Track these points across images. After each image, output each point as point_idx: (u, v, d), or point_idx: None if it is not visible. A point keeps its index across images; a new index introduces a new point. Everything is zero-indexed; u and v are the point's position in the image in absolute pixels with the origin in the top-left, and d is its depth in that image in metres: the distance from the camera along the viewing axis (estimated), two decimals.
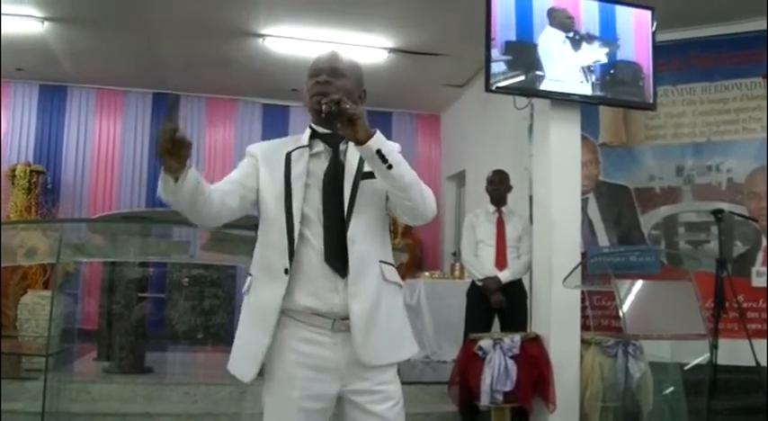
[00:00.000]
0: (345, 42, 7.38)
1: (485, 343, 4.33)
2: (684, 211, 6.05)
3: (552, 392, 4.27)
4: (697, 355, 4.73)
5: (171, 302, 8.19)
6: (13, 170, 8.61)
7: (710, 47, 6.07)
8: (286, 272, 1.99)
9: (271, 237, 2.06)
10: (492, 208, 5.15)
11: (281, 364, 2.02)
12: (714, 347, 4.30)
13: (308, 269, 2.01)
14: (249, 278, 2.12)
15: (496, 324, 5.11)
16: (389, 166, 1.90)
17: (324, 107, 1.91)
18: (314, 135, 2.13)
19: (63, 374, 5.05)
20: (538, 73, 4.57)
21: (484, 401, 4.20)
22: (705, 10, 5.90)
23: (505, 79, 4.55)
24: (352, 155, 2.09)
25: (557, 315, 4.49)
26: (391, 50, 7.58)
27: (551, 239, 4.59)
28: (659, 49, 4.99)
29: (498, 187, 5.18)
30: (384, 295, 2.05)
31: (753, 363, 4.36)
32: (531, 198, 5.98)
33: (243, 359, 2.05)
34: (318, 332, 2.01)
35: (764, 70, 5.80)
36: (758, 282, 5.70)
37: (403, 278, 7.34)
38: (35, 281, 6.42)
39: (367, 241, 2.04)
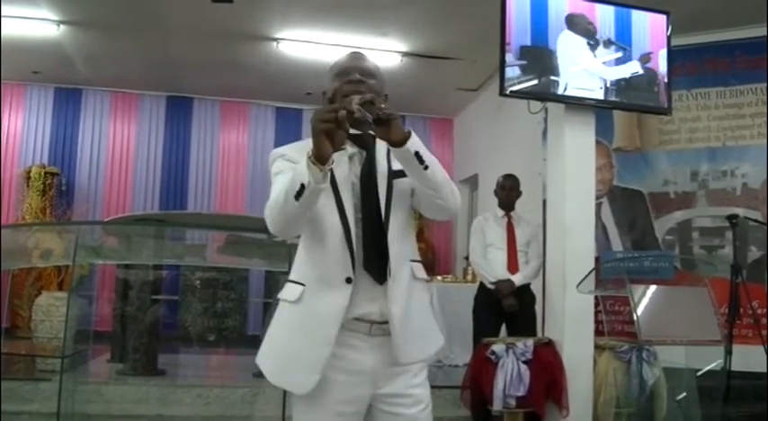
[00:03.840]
0: (359, 46, 7.37)
1: (498, 347, 4.32)
2: (699, 216, 6.01)
3: (565, 397, 4.26)
4: (711, 361, 4.71)
5: (184, 305, 8.22)
6: (29, 172, 8.68)
7: (726, 51, 6.03)
8: (348, 281, 1.95)
9: (328, 244, 1.98)
10: (501, 212, 5.15)
11: None
12: (728, 353, 4.28)
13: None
14: (294, 286, 2.03)
15: (503, 329, 5.09)
16: (426, 167, 1.89)
17: (355, 108, 1.82)
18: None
19: (77, 376, 5.07)
20: (552, 78, 4.57)
21: (497, 406, 4.19)
22: (720, 14, 5.88)
23: (519, 83, 4.55)
24: (380, 155, 2.06)
25: (570, 320, 4.48)
26: (405, 54, 7.59)
27: (565, 244, 4.58)
28: (674, 54, 4.98)
29: (509, 193, 5.17)
30: (415, 293, 2.04)
31: (767, 370, 4.34)
32: (544, 202, 5.97)
33: (296, 371, 1.97)
34: (356, 336, 1.99)
35: None
36: None
37: None
38: (49, 282, 6.48)
39: (401, 243, 2.02)
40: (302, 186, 1.77)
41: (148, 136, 9.47)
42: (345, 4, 6.50)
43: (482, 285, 5.06)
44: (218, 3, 6.20)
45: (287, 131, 9.64)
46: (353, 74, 2.07)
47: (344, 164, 2.01)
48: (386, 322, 1.98)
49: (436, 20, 6.76)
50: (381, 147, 2.03)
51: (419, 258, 2.12)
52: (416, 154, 1.86)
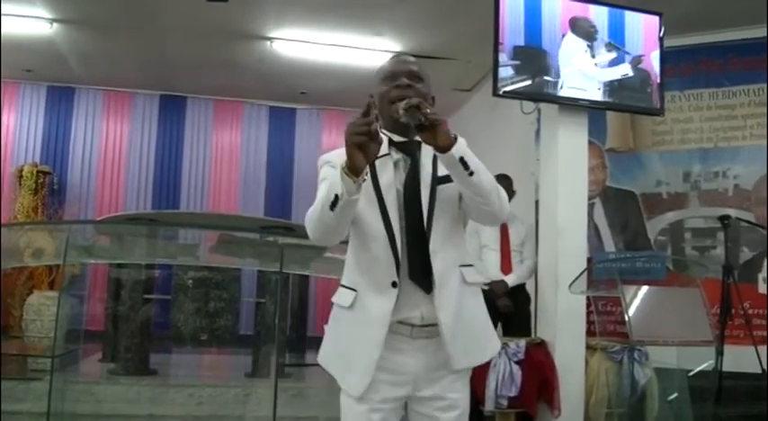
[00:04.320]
0: (353, 46, 7.40)
1: None
2: (691, 217, 6.03)
3: (557, 398, 4.27)
4: (703, 362, 4.73)
5: (176, 304, 8.18)
6: (21, 171, 8.63)
7: (718, 52, 6.06)
8: (394, 285, 1.96)
9: (373, 249, 1.99)
10: None
11: None
12: (720, 354, 4.29)
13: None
14: (347, 291, 2.05)
15: (499, 329, 5.10)
16: (471, 173, 1.85)
17: (402, 112, 1.83)
18: (389, 143, 2.03)
19: (68, 375, 5.07)
20: (546, 78, 4.58)
21: (489, 406, 4.20)
22: (713, 15, 5.89)
23: (513, 84, 4.56)
24: (425, 160, 2.04)
25: (562, 320, 4.49)
26: (399, 54, 7.55)
27: (557, 244, 4.59)
28: (667, 55, 5.00)
29: None
30: (466, 299, 2.03)
31: (759, 370, 4.35)
32: (537, 203, 5.98)
33: (352, 373, 2.00)
34: (400, 339, 1.99)
35: None
36: (764, 288, 5.68)
37: None
38: (41, 281, 6.43)
39: (447, 249, 2.00)
40: (336, 197, 1.79)
41: (141, 135, 9.43)
42: (340, 3, 6.48)
43: None
44: (212, 1, 6.18)
45: (280, 131, 9.65)
46: (401, 78, 2.04)
47: (390, 170, 2.01)
48: (428, 325, 1.98)
49: (430, 20, 6.75)
50: (428, 152, 2.01)
51: (470, 261, 2.11)
52: (461, 159, 1.83)
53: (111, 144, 9.35)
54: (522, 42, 4.58)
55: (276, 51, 7.58)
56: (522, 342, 4.35)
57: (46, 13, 6.86)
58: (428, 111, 1.82)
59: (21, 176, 8.58)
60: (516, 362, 4.25)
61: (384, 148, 1.98)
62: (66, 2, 6.65)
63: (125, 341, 5.48)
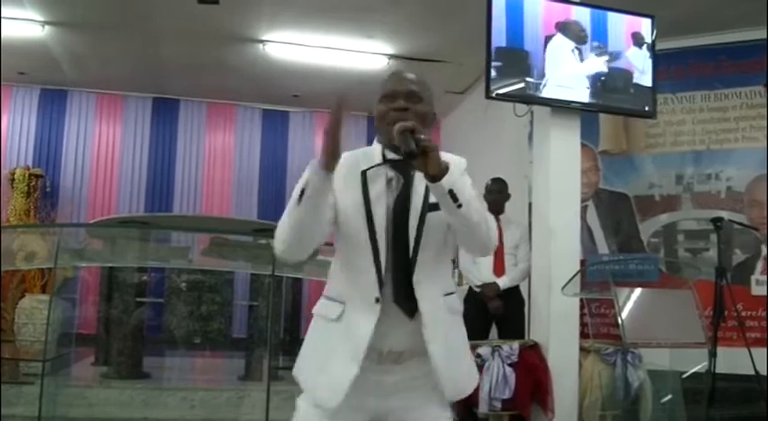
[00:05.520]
0: (346, 48, 7.40)
1: (483, 350, 4.32)
2: (684, 219, 6.05)
3: (551, 400, 4.26)
4: (696, 364, 4.73)
5: (169, 307, 8.16)
6: (13, 174, 8.58)
7: (710, 55, 6.08)
8: (377, 301, 1.91)
9: (358, 260, 1.95)
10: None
11: None
12: (713, 356, 4.30)
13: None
14: (333, 304, 2.01)
15: (494, 331, 5.10)
16: (459, 205, 1.78)
17: (396, 135, 1.78)
18: (383, 158, 1.99)
19: (60, 379, 5.05)
20: (530, 80, 4.58)
21: (482, 409, 4.19)
22: (705, 18, 5.92)
23: (505, 86, 4.56)
24: (418, 183, 1.95)
25: (555, 322, 4.49)
26: (391, 57, 7.58)
27: (550, 247, 4.59)
28: (660, 57, 5.01)
29: (497, 197, 5.18)
30: (452, 328, 2.01)
31: (752, 372, 4.35)
32: (530, 205, 5.98)
33: (328, 388, 1.94)
34: (382, 366, 1.97)
35: (765, 79, 5.80)
36: (758, 290, 5.70)
37: None
38: (33, 285, 6.41)
39: (433, 278, 1.96)
40: (303, 189, 1.79)
41: (134, 138, 9.40)
42: (332, 6, 6.48)
43: (470, 289, 5.07)
44: (204, 4, 6.16)
45: (273, 133, 9.64)
46: (398, 100, 1.97)
47: (381, 182, 1.96)
48: (409, 355, 1.96)
49: (422, 23, 6.76)
50: (422, 175, 1.91)
51: (453, 288, 2.07)
52: (450, 192, 1.77)
53: (103, 147, 9.32)
54: (503, 43, 4.58)
55: (269, 54, 7.57)
56: (516, 344, 4.35)
57: (37, 15, 6.84)
58: (421, 136, 1.77)
59: (13, 179, 8.53)
60: (510, 365, 4.25)
61: (377, 158, 1.98)
62: (58, 4, 6.64)
63: (118, 344, 5.46)
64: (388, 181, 1.96)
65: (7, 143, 9.06)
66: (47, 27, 7.07)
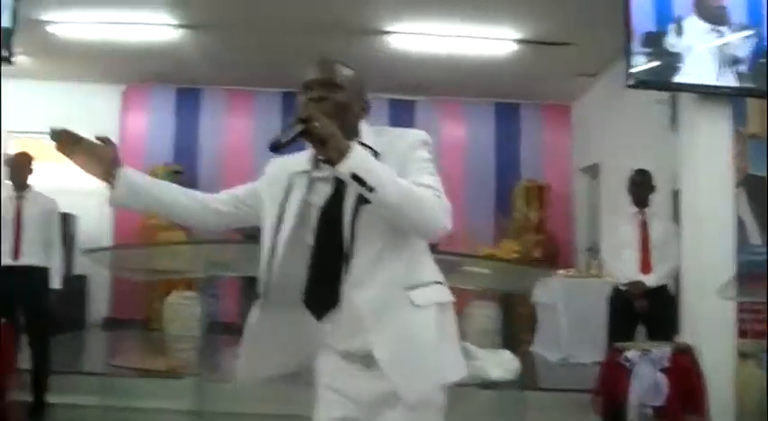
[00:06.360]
0: (471, 35, 7.26)
1: (631, 354, 4.12)
2: None
3: (706, 409, 4.02)
4: None
5: None
6: (155, 171, 8.96)
7: None
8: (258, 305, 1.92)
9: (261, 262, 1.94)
10: (634, 209, 4.90)
11: None
12: None
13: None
14: None
15: (641, 333, 4.87)
16: (371, 189, 1.67)
17: (295, 127, 1.72)
18: (314, 159, 1.93)
19: (207, 373, 5.16)
20: (679, 65, 4.31)
21: (632, 416, 4.00)
22: None
23: (647, 73, 4.31)
24: None
25: (708, 323, 4.27)
26: (519, 41, 7.37)
27: (701, 242, 4.36)
28: None
29: (641, 189, 4.91)
30: (416, 323, 1.85)
31: None
32: (674, 194, 5.69)
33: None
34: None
35: None
36: None
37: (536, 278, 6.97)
38: (178, 281, 6.65)
39: (382, 274, 1.83)
40: None
41: (264, 132, 9.58)
42: None
43: (616, 287, 4.86)
44: None
45: (400, 122, 9.55)
46: (314, 90, 1.91)
47: (301, 188, 1.92)
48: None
49: (551, 4, 6.51)
50: None
51: (428, 279, 1.94)
52: (354, 176, 1.66)
53: (237, 142, 9.58)
54: (653, 28, 4.32)
55: (392, 44, 7.55)
56: (667, 348, 4.12)
57: (172, 19, 7.07)
58: (315, 124, 1.69)
59: (155, 177, 8.89)
60: (661, 370, 4.03)
61: (303, 164, 1.94)
62: (190, 8, 6.84)
63: None
64: (324, 179, 1.90)
65: (147, 142, 9.47)
66: (180, 30, 7.29)
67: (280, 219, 1.90)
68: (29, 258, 4.49)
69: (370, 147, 1.84)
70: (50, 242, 4.59)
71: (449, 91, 9.32)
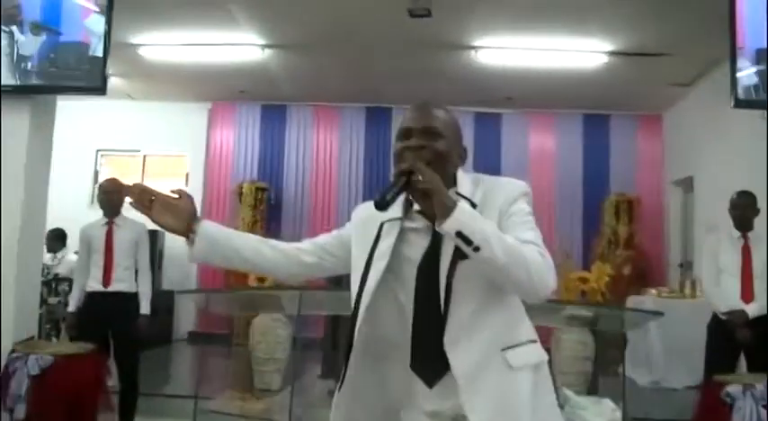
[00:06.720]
0: (561, 48, 7.12)
1: (733, 389, 3.89)
2: None
3: None
4: None
5: None
6: (241, 187, 9.13)
7: None
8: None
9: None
10: (736, 233, 4.61)
11: None
12: None
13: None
14: None
15: (742, 365, 4.60)
16: (476, 249, 1.58)
17: (396, 181, 1.63)
18: (406, 207, 1.80)
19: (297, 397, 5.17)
20: None
21: None
22: None
23: (756, 91, 4.08)
24: None
25: None
26: (610, 54, 7.16)
27: None
28: None
29: (744, 211, 4.63)
30: (512, 387, 1.74)
31: None
32: None
33: None
34: None
35: None
36: None
37: (625, 294, 6.82)
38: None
39: (480, 334, 1.72)
40: None
41: (350, 146, 9.64)
42: (546, 7, 6.20)
43: (715, 315, 4.60)
44: (416, 17, 6.12)
45: (486, 135, 9.41)
46: (413, 138, 1.79)
47: (391, 238, 1.79)
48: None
49: (642, 16, 6.29)
50: None
51: (524, 338, 1.81)
52: (459, 234, 1.57)
53: (321, 156, 9.67)
54: (764, 44, 4.08)
55: (481, 59, 7.45)
56: None
57: (258, 39, 7.17)
58: (418, 178, 1.60)
59: (241, 193, 9.07)
60: (764, 406, 3.80)
61: (394, 211, 1.75)
62: (276, 29, 6.93)
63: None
64: (416, 230, 1.78)
65: (233, 158, 9.63)
66: (266, 50, 7.40)
67: (367, 268, 1.80)
68: (119, 284, 4.55)
69: (468, 199, 1.76)
70: (140, 267, 4.65)
71: (537, 104, 9.19)
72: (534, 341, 1.85)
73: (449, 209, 1.59)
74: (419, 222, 1.77)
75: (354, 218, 1.98)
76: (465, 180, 1.84)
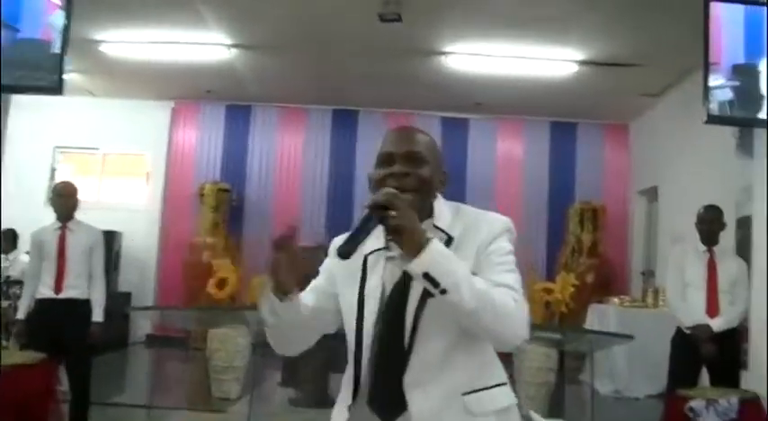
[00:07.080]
0: (533, 56, 7.10)
1: (696, 404, 3.86)
2: None
3: None
4: None
5: None
6: (203, 188, 8.95)
7: None
8: (349, 409, 1.66)
9: (350, 356, 1.70)
10: (702, 247, 4.59)
11: None
12: None
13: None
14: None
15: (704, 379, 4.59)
16: (443, 291, 1.48)
17: (368, 212, 1.52)
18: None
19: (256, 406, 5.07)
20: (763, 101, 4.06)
21: None
22: None
23: (726, 108, 4.05)
24: None
25: None
26: (582, 63, 7.15)
27: None
28: None
29: (710, 226, 4.61)
30: None
31: None
32: (738, 223, 5.41)
33: None
34: None
35: None
36: None
37: (587, 301, 6.85)
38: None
39: (444, 375, 1.62)
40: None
41: (315, 148, 9.53)
42: (519, 15, 6.16)
43: (680, 329, 4.57)
44: (386, 22, 6.03)
45: (454, 140, 9.33)
46: (396, 164, 1.66)
47: (378, 270, 1.67)
48: None
49: (616, 27, 6.33)
50: None
51: (491, 382, 1.69)
52: (426, 275, 1.47)
53: (286, 158, 9.53)
54: (741, 60, 4.04)
55: (451, 65, 7.41)
56: (735, 398, 3.85)
57: (225, 39, 7.05)
58: (391, 213, 1.48)
59: (202, 195, 8.89)
60: None
61: (378, 241, 1.65)
62: (244, 29, 6.82)
63: (305, 370, 5.47)
64: (393, 259, 1.64)
65: (196, 159, 9.47)
66: (233, 49, 7.27)
67: (361, 308, 1.67)
68: (71, 291, 4.33)
69: (445, 232, 1.65)
70: (94, 274, 4.46)
71: (506, 110, 9.17)
72: (503, 384, 1.74)
73: (419, 247, 1.48)
74: (396, 251, 1.61)
75: (332, 250, 1.78)
76: (444, 210, 1.72)
